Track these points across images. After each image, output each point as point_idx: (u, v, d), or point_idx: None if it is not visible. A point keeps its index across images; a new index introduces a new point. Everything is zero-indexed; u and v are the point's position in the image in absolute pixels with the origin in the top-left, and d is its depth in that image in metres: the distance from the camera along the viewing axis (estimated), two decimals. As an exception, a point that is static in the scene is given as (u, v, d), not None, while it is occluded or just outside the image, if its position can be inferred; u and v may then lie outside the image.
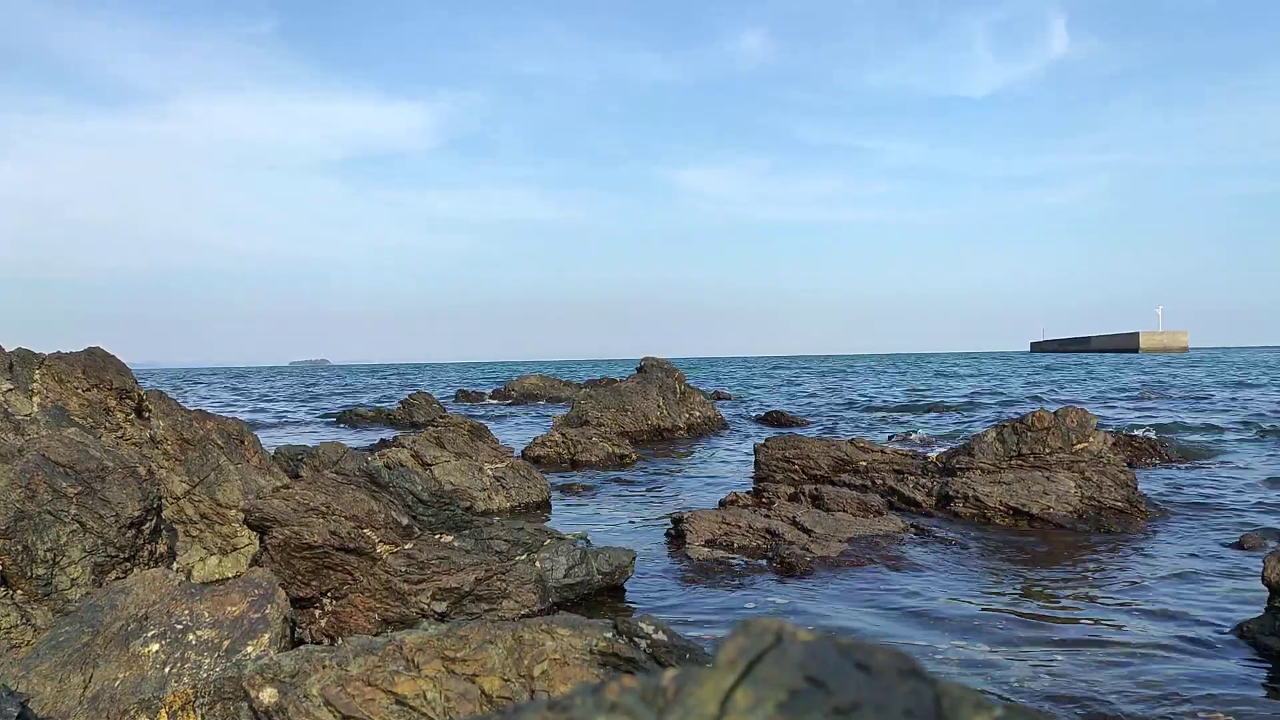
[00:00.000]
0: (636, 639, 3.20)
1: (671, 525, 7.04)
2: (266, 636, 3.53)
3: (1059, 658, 4.21)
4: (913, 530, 6.98)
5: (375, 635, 3.73)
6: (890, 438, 13.77)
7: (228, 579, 4.61)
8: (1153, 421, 16.54)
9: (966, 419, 18.48)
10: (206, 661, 3.40)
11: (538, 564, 5.06)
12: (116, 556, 4.56)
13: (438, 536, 5.03)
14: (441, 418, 10.83)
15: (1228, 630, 4.50)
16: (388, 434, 16.40)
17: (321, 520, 4.68)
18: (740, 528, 6.71)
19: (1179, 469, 10.38)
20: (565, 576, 5.11)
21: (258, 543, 4.95)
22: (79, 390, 6.24)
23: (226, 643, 3.47)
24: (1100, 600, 5.17)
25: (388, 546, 4.75)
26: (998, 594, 5.35)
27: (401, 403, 22.17)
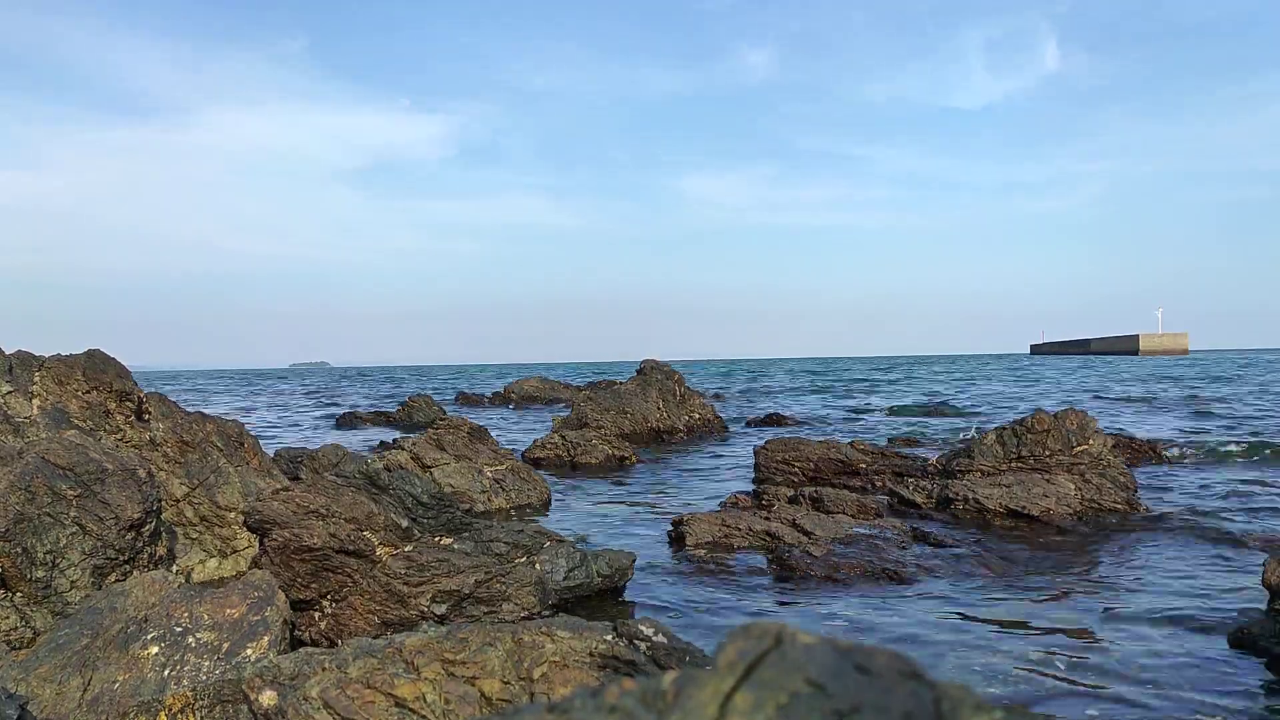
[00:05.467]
0: (636, 641, 3.20)
1: (671, 527, 7.04)
2: (266, 639, 3.52)
3: (1058, 659, 4.21)
4: (913, 532, 6.98)
5: (375, 638, 3.73)
6: (890, 440, 13.77)
7: (227, 581, 4.60)
8: (1153, 424, 16.55)
9: (966, 421, 18.48)
10: (206, 664, 3.39)
11: (537, 566, 5.05)
12: (116, 559, 4.56)
13: (437, 539, 5.03)
14: (441, 420, 10.83)
15: (1228, 632, 4.49)
16: (387, 436, 16.40)
17: (321, 523, 4.68)
18: (740, 530, 6.71)
19: (1179, 471, 10.37)
20: (565, 579, 5.11)
21: (257, 545, 4.95)
22: (79, 393, 6.24)
23: (226, 645, 3.47)
24: (1100, 602, 5.17)
25: (387, 549, 4.75)
26: (997, 596, 5.35)
27: (401, 405, 22.17)
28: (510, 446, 11.88)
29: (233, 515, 6.03)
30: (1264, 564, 4.33)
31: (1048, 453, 8.00)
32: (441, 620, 4.57)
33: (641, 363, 17.70)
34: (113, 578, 4.48)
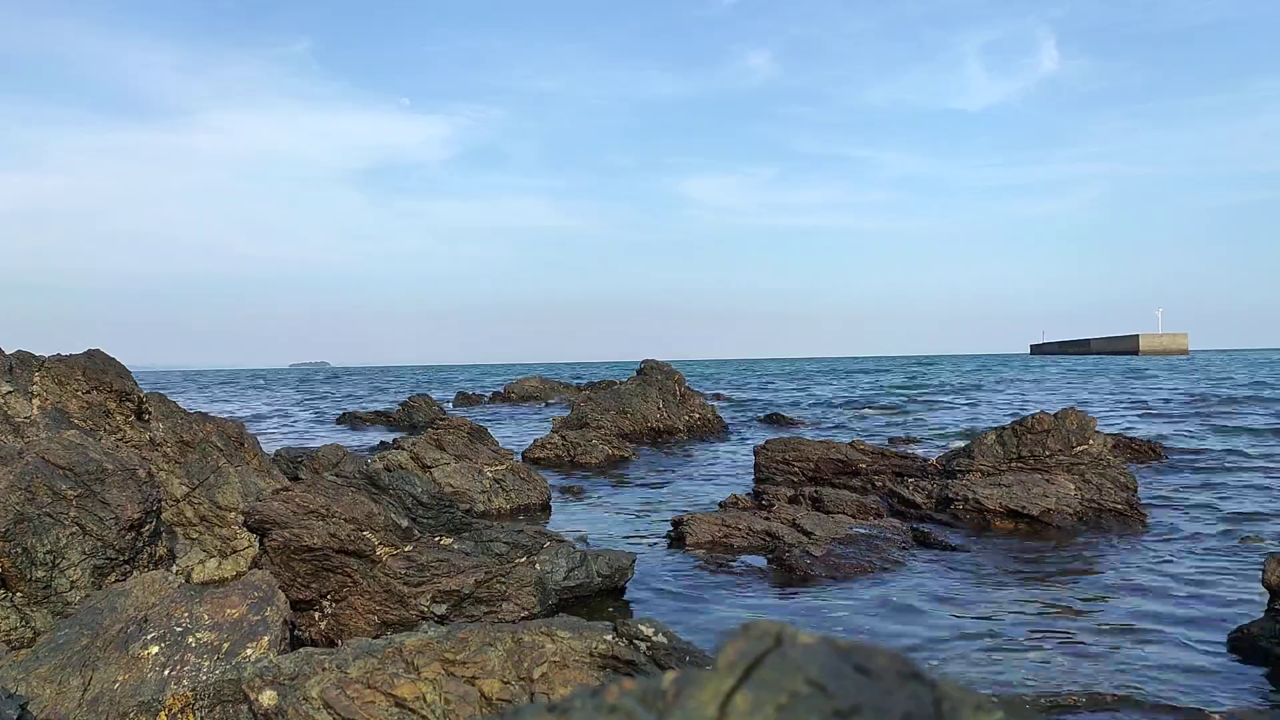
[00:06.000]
0: (636, 641, 3.20)
1: (671, 527, 7.04)
2: (266, 639, 3.52)
3: (1059, 660, 4.21)
4: (912, 533, 6.98)
5: (375, 638, 3.73)
6: (890, 440, 13.77)
7: (227, 581, 4.60)
8: (1151, 424, 16.55)
9: (966, 421, 18.48)
10: (206, 664, 3.39)
11: (537, 566, 5.05)
12: (116, 559, 4.56)
13: (437, 539, 5.03)
14: (441, 420, 10.83)
15: (1228, 633, 4.49)
16: (387, 436, 16.40)
17: (321, 523, 4.68)
18: (740, 530, 6.71)
19: (1179, 471, 10.37)
20: (565, 579, 5.11)
21: (257, 545, 4.95)
22: (79, 393, 6.24)
23: (226, 645, 3.47)
24: (1100, 603, 5.17)
25: (387, 549, 4.75)
26: (997, 596, 5.35)
27: (401, 405, 22.16)
28: (510, 446, 11.88)
29: (233, 515, 6.03)
30: (1264, 564, 4.33)
31: (1048, 453, 8.00)
32: (441, 620, 4.57)
33: (641, 363, 17.70)
34: (113, 578, 4.48)
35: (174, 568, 5.56)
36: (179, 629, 3.49)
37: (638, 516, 8.34)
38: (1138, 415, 18.93)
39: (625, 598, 5.47)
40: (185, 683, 3.31)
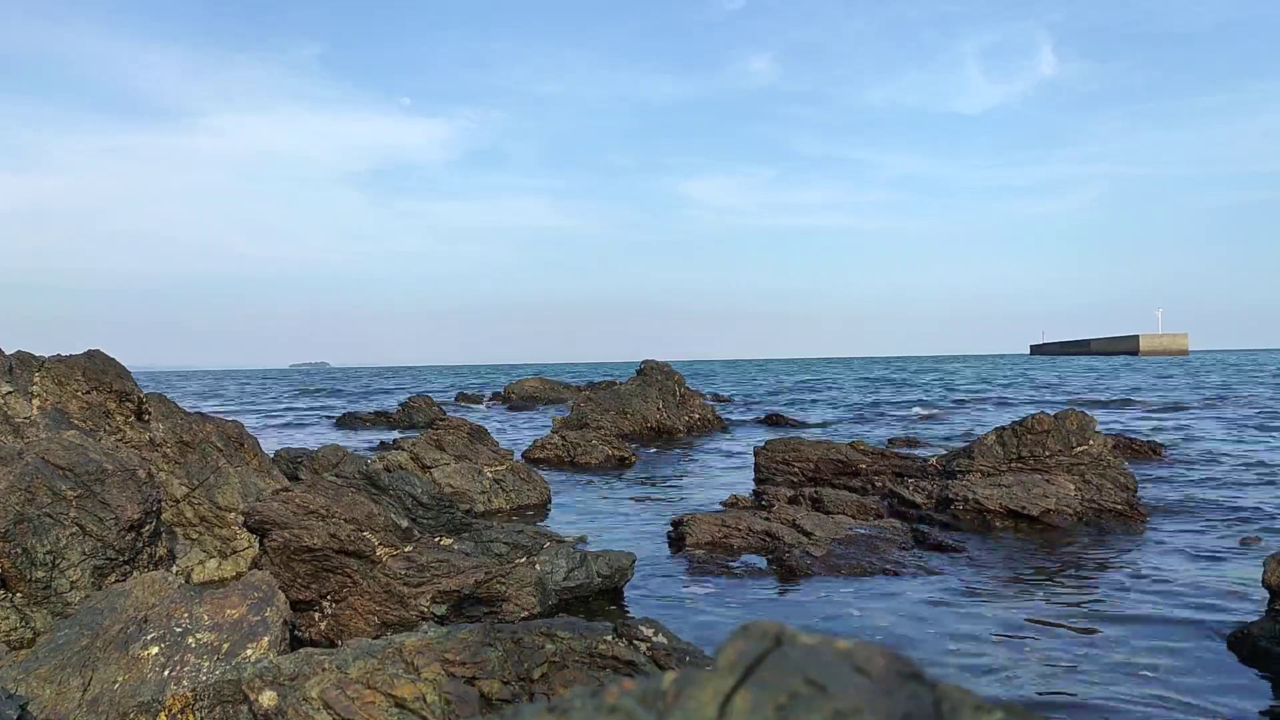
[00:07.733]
0: (636, 642, 3.20)
1: (671, 528, 7.04)
2: (266, 639, 3.52)
3: (1058, 660, 4.21)
4: (912, 533, 6.98)
5: (375, 638, 3.73)
6: (890, 440, 13.77)
7: (227, 582, 4.60)
8: (1151, 424, 16.55)
9: (966, 421, 18.48)
10: (206, 664, 3.39)
11: (537, 567, 5.05)
12: (116, 559, 4.56)
13: (437, 539, 5.03)
14: (441, 420, 10.82)
15: (1227, 633, 4.49)
16: (387, 436, 16.40)
17: (321, 523, 4.68)
18: (740, 530, 6.71)
19: (1179, 471, 10.37)
20: (565, 579, 5.11)
21: (257, 546, 4.95)
22: (79, 393, 6.24)
23: (226, 645, 3.47)
24: (1099, 603, 5.17)
25: (387, 549, 4.75)
26: (997, 597, 5.35)
27: (401, 405, 22.17)
28: (510, 446, 11.88)
29: (232, 516, 6.03)
30: (1264, 564, 4.33)
31: (1048, 453, 7.99)
32: (441, 620, 4.57)
33: (641, 363, 17.70)
34: (113, 578, 4.48)
35: (174, 568, 5.56)
36: (179, 629, 3.49)
37: (638, 517, 8.34)
38: (1137, 415, 18.93)
39: (625, 598, 5.47)
40: (185, 683, 3.31)
